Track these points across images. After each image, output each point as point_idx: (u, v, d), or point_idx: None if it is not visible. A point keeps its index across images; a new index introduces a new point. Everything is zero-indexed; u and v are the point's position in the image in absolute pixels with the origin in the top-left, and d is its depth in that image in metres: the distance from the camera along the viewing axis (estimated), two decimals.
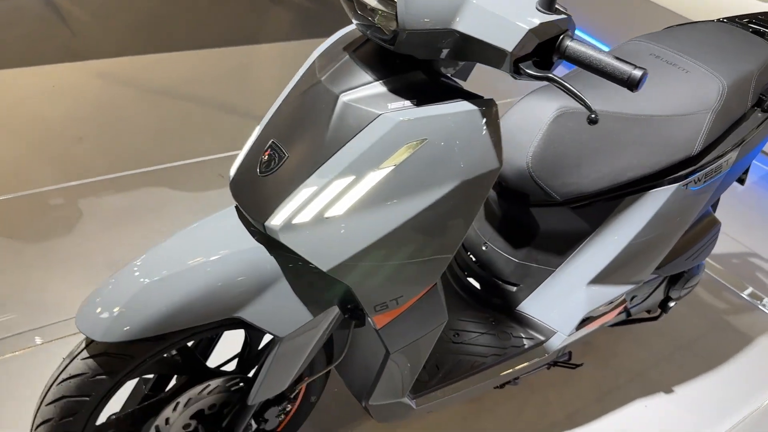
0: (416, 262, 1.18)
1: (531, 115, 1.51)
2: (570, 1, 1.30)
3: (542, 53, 1.05)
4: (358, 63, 1.15)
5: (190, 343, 1.40)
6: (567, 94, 1.02)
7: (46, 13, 3.75)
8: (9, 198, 2.33)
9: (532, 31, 0.99)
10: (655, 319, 2.01)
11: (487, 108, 1.12)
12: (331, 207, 1.09)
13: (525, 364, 1.65)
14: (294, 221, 1.09)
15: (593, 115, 1.02)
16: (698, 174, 1.59)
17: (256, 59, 3.60)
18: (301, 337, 1.23)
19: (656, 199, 1.57)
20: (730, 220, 2.94)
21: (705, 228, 1.86)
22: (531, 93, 1.56)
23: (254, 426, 1.41)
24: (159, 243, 1.20)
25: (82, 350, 1.17)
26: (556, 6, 1.02)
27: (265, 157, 1.16)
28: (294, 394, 1.43)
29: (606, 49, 1.97)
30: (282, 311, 1.19)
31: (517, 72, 1.03)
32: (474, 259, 1.75)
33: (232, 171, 1.23)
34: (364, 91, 1.11)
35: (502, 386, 1.76)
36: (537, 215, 1.61)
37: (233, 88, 3.24)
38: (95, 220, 2.30)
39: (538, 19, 1.00)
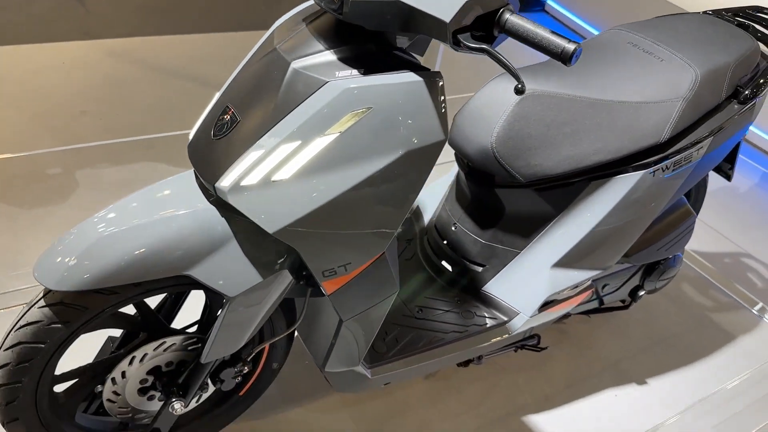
0: (362, 232, 1.21)
1: (497, 97, 1.53)
2: None
3: (484, 27, 1.07)
4: (313, 33, 1.18)
5: (154, 306, 1.46)
6: (500, 65, 1.05)
7: None
8: (9, 157, 2.41)
9: (469, 3, 1.01)
10: (626, 307, 2.02)
11: (433, 80, 1.15)
12: (278, 171, 1.12)
13: (487, 343, 1.67)
14: (242, 183, 1.13)
15: (519, 85, 1.05)
16: (667, 162, 1.60)
17: None
18: (252, 299, 1.26)
19: (622, 184, 1.58)
20: (725, 220, 2.93)
21: (678, 218, 1.86)
22: (499, 76, 1.58)
23: (210, 386, 1.46)
24: (118, 201, 1.25)
25: (39, 299, 1.23)
26: None
27: (220, 122, 1.20)
28: (251, 357, 1.47)
29: (596, 32, 1.98)
30: (231, 272, 1.23)
31: (456, 44, 1.05)
32: (444, 239, 1.77)
33: (191, 135, 1.27)
34: (315, 59, 1.14)
35: (466, 364, 1.79)
36: (503, 197, 1.63)
37: None
38: (91, 192, 2.36)
39: None
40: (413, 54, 1.24)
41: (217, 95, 1.27)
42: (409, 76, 1.13)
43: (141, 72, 3.17)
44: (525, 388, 1.96)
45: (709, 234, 2.83)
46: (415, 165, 1.18)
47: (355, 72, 1.13)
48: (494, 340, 1.68)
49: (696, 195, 2.20)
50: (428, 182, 1.92)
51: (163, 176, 1.30)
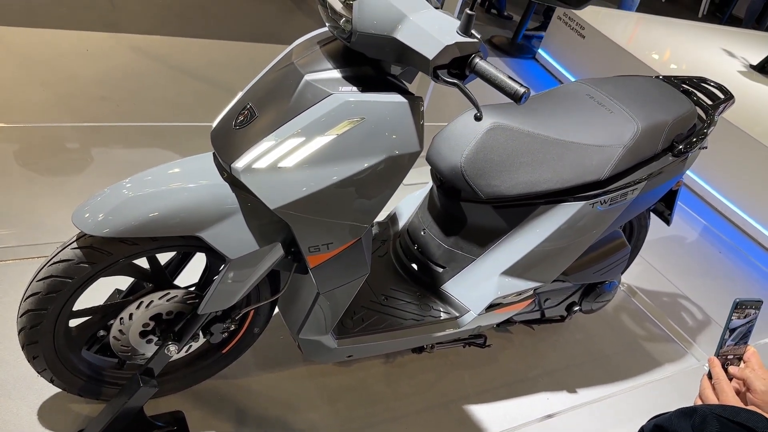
0: (343, 218, 1.49)
1: (470, 125, 1.82)
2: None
3: (459, 66, 1.37)
4: (325, 54, 1.48)
5: (163, 261, 1.72)
6: (466, 97, 1.34)
7: None
8: (33, 126, 2.66)
9: (448, 47, 1.31)
10: (562, 320, 2.31)
11: (415, 103, 1.44)
12: (284, 159, 1.40)
13: (439, 333, 1.94)
14: (254, 166, 1.41)
15: (478, 114, 1.34)
16: (605, 197, 1.90)
17: None
18: (247, 263, 1.53)
19: (565, 211, 1.88)
20: (669, 265, 3.25)
21: (614, 248, 2.16)
22: (472, 109, 1.87)
23: (201, 338, 1.72)
24: (147, 169, 1.52)
25: (72, 241, 1.49)
26: (472, 32, 1.35)
27: (241, 115, 1.48)
28: (239, 317, 1.73)
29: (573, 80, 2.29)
30: (234, 238, 1.50)
31: (435, 77, 1.35)
32: (413, 242, 2.06)
33: (214, 123, 1.55)
34: (324, 75, 1.43)
35: (419, 351, 2.06)
36: (466, 210, 1.92)
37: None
38: (103, 167, 2.62)
39: (455, 39, 1.32)
40: (404, 81, 1.54)
41: (240, 94, 1.55)
42: (397, 98, 1.43)
43: (159, 67, 3.45)
44: (469, 382, 2.23)
45: (653, 274, 3.14)
46: (393, 170, 1.47)
47: (354, 89, 1.42)
48: (446, 331, 1.96)
49: (638, 234, 2.51)
50: (406, 193, 2.22)
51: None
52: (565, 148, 1.85)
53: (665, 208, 2.40)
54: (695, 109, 2.11)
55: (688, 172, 4.04)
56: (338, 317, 1.71)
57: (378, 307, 1.90)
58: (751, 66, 5.24)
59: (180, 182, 1.48)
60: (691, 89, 2.22)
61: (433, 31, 1.33)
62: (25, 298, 1.50)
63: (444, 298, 1.99)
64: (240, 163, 1.41)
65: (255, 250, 1.51)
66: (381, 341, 1.85)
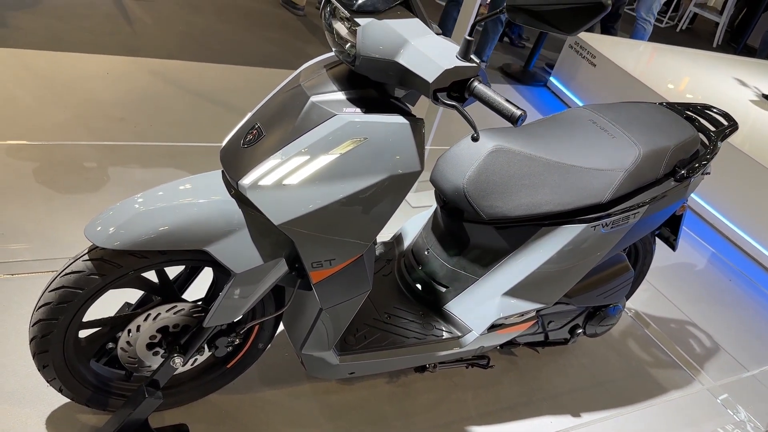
0: (345, 236, 1.53)
1: (473, 148, 1.87)
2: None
3: (458, 89, 1.42)
4: (330, 77, 1.53)
5: (172, 276, 1.77)
6: (463, 119, 1.39)
7: (114, 11, 4.27)
8: (53, 144, 2.75)
9: (448, 71, 1.36)
10: (565, 343, 2.32)
11: (416, 124, 1.49)
12: (289, 177, 1.45)
13: (441, 352, 1.97)
14: (260, 183, 1.46)
15: (475, 135, 1.38)
16: (606, 219, 1.93)
17: None
18: (252, 278, 1.57)
19: (567, 233, 1.91)
20: (677, 291, 3.25)
21: (617, 272, 2.18)
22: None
23: (206, 351, 1.75)
24: (158, 185, 1.58)
25: (84, 254, 1.54)
26: (471, 57, 1.40)
27: (249, 134, 1.54)
28: (243, 330, 1.77)
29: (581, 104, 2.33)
30: (240, 253, 1.54)
31: (435, 99, 1.40)
32: (417, 261, 2.09)
33: (224, 142, 1.60)
34: (329, 96, 1.49)
35: (422, 371, 2.08)
36: (469, 230, 1.96)
37: None
38: (120, 185, 2.69)
39: (454, 63, 1.37)
40: (407, 103, 1.59)
41: (249, 114, 1.61)
42: (399, 119, 1.47)
43: (176, 91, 3.54)
44: (472, 404, 2.24)
45: (660, 301, 3.14)
46: (394, 188, 1.51)
47: (358, 110, 1.47)
48: (448, 351, 1.98)
49: (643, 260, 2.52)
50: (411, 214, 2.25)
51: None
52: (566, 172, 1.88)
53: (670, 233, 2.42)
54: (698, 135, 2.14)
55: (697, 198, 4.06)
56: (340, 333, 1.74)
57: (381, 325, 1.93)
58: (764, 95, 5.26)
59: (189, 198, 1.54)
60: (694, 116, 2.25)
61: (433, 56, 1.38)
62: (37, 307, 1.55)
63: (447, 318, 2.01)
64: (246, 180, 1.46)
65: (259, 264, 1.56)
66: (383, 359, 1.88)
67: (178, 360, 1.67)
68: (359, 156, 1.46)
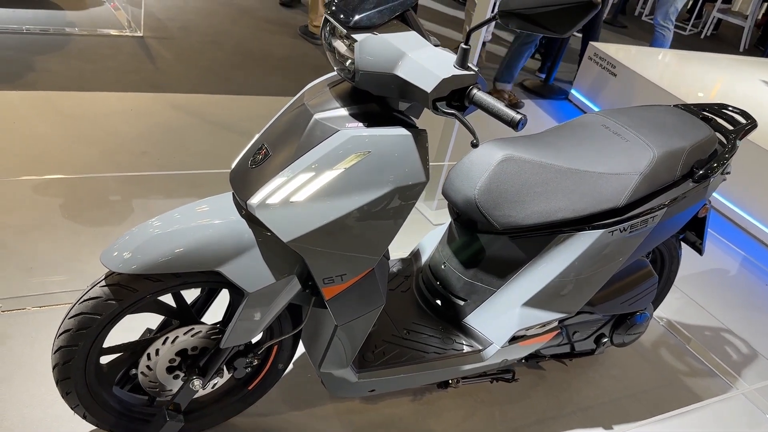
0: (355, 249, 1.54)
1: (483, 157, 1.86)
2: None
3: (458, 98, 1.42)
4: (333, 95, 1.56)
5: (189, 300, 1.80)
6: (463, 126, 1.39)
7: (137, 51, 4.41)
8: (79, 177, 2.83)
9: (446, 80, 1.37)
10: (590, 354, 2.27)
11: (419, 135, 1.50)
12: (296, 194, 1.47)
13: (463, 366, 1.94)
14: (267, 201, 1.48)
15: (474, 141, 1.38)
16: (624, 224, 1.90)
17: None
18: (266, 297, 1.59)
19: (584, 240, 1.88)
20: (710, 298, 3.17)
21: (640, 277, 2.14)
22: (488, 142, 1.92)
23: (226, 373, 1.76)
24: (172, 209, 1.61)
25: (101, 280, 1.57)
26: (469, 65, 1.41)
27: (257, 155, 1.57)
28: (261, 351, 1.78)
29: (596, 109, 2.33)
30: (252, 272, 1.56)
31: (435, 109, 1.41)
32: (434, 276, 2.08)
33: (233, 164, 1.63)
34: (332, 113, 1.51)
35: (445, 387, 2.05)
36: (483, 241, 1.95)
37: None
38: (144, 216, 2.75)
39: (451, 72, 1.38)
40: (411, 116, 1.60)
41: (256, 136, 1.64)
42: (401, 131, 1.48)
43: (197, 122, 3.62)
44: (499, 419, 2.20)
45: (693, 308, 3.06)
46: (401, 200, 1.51)
47: (360, 125, 1.48)
48: (470, 365, 1.95)
49: (669, 266, 2.47)
50: (428, 229, 2.25)
51: None
52: (579, 178, 1.87)
53: (696, 237, 2.37)
54: (715, 134, 2.10)
55: (723, 200, 3.97)
56: (357, 350, 1.74)
57: (400, 341, 1.92)
58: None
59: (201, 220, 1.56)
60: (711, 116, 2.21)
61: (430, 66, 1.39)
62: (58, 335, 1.59)
63: (466, 331, 1.99)
64: (255, 199, 1.48)
65: (272, 283, 1.57)
66: (403, 375, 1.87)
67: (197, 382, 1.68)
68: (364, 170, 1.47)
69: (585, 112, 5.20)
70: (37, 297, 2.25)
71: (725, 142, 2.15)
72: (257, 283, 1.56)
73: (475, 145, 1.39)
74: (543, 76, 5.80)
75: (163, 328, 1.81)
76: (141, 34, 4.66)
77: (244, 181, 1.55)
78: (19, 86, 3.57)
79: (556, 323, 2.01)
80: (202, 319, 1.80)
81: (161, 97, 3.85)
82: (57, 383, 1.63)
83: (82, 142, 3.19)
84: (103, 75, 3.94)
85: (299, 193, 1.47)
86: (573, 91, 5.43)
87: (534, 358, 2.22)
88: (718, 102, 2.31)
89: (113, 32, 4.59)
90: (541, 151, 1.90)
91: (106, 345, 1.66)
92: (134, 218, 2.74)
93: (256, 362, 1.78)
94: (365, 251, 1.56)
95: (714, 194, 4.16)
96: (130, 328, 1.82)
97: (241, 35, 5.16)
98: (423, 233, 2.36)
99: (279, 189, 1.47)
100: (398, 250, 2.74)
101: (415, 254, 2.25)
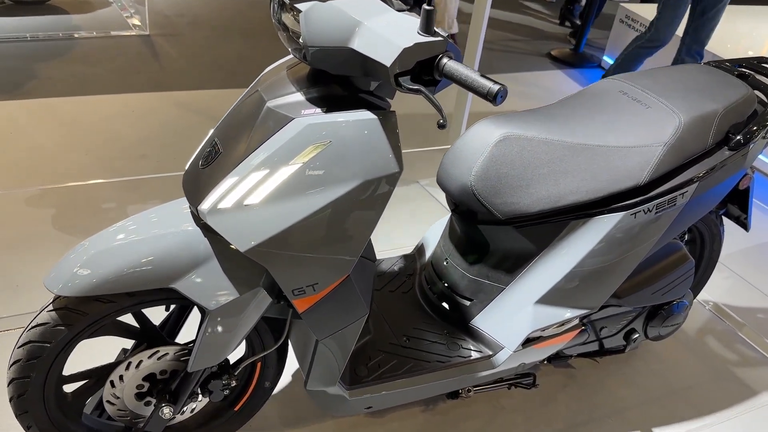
0: (324, 254, 1.33)
1: (477, 139, 1.63)
2: None
3: (428, 70, 1.19)
4: (290, 78, 1.35)
5: (160, 320, 1.63)
6: (430, 103, 1.16)
7: (142, 50, 4.28)
8: (67, 186, 2.70)
9: (408, 50, 1.14)
10: (621, 351, 2.01)
11: (386, 118, 1.27)
12: (249, 196, 1.27)
13: (472, 374, 1.72)
14: (219, 206, 1.28)
15: (442, 121, 1.15)
16: (648, 204, 1.64)
17: None
18: (230, 314, 1.40)
19: (602, 225, 1.63)
20: (763, 276, 2.84)
21: (673, 263, 1.87)
22: (482, 120, 1.68)
23: (200, 396, 1.59)
24: (121, 221, 1.43)
25: (49, 304, 1.41)
26: (436, 30, 1.17)
27: (208, 154, 1.37)
28: (239, 371, 1.59)
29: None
30: (211, 287, 1.37)
31: (398, 85, 1.18)
32: (437, 274, 1.86)
33: (187, 165, 1.44)
34: (287, 99, 1.30)
35: (455, 397, 1.84)
36: (486, 233, 1.71)
37: None
38: None
39: (414, 40, 1.15)
40: (384, 96, 1.38)
41: (211, 131, 1.44)
42: (365, 114, 1.27)
43: (200, 121, 3.46)
44: (522, 427, 1.97)
45: (744, 288, 2.75)
46: (371, 195, 1.30)
47: (318, 111, 1.27)
48: (480, 373, 1.73)
49: (711, 245, 2.19)
50: (432, 221, 2.02)
51: None
52: (592, 153, 1.61)
53: (740, 211, 2.08)
54: (753, 93, 1.81)
55: None
56: (343, 365, 1.54)
57: (398, 350, 1.71)
58: None
59: (151, 231, 1.38)
60: (748, 72, 1.92)
61: (390, 35, 1.17)
62: (9, 365, 1.44)
63: (474, 335, 1.77)
64: (205, 205, 1.29)
65: (235, 298, 1.38)
66: (402, 388, 1.66)
67: (167, 410, 1.51)
68: (324, 162, 1.26)
69: None
70: (20, 317, 2.12)
71: (766, 101, 1.86)
72: (218, 299, 1.37)
73: (442, 126, 1.17)
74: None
75: (137, 348, 1.65)
76: (147, 33, 4.54)
77: (195, 185, 1.36)
78: (18, 95, 3.48)
79: (576, 321, 1.76)
80: (179, 337, 1.63)
81: (164, 95, 3.70)
82: (17, 417, 1.49)
83: (78, 149, 3.06)
84: (106, 77, 3.82)
85: (254, 195, 1.27)
86: (605, 58, 5.07)
87: (558, 359, 1.98)
88: (757, 56, 2.00)
89: (119, 33, 4.48)
90: (545, 125, 1.65)
91: (67, 372, 1.50)
92: None
93: (234, 383, 1.59)
94: (336, 256, 1.35)
95: (761, 157, 3.78)
96: (104, 351, 1.67)
97: (251, 28, 4.98)
98: (423, 223, 2.14)
99: (231, 191, 1.28)
100: (408, 241, 2.52)
101: (419, 249, 2.03)
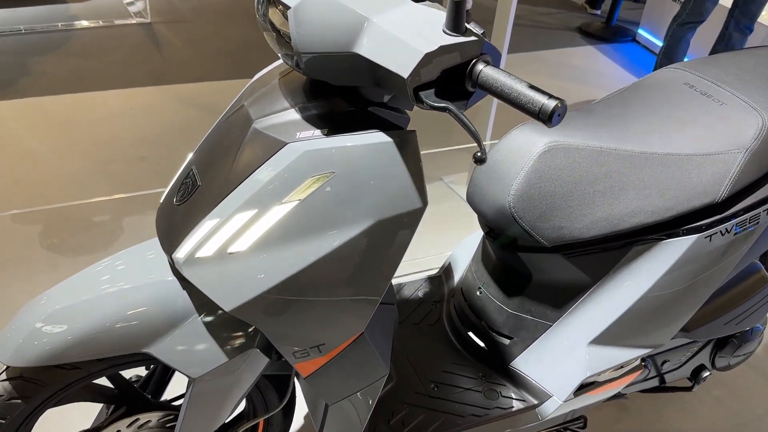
0: (332, 309, 1.06)
1: (516, 151, 1.34)
2: None
3: (458, 79, 0.91)
4: (282, 89, 1.07)
5: (136, 382, 1.38)
6: (462, 126, 0.88)
7: (143, 39, 4.01)
8: (59, 207, 2.46)
9: (431, 55, 0.86)
10: (688, 389, 1.72)
11: (404, 141, 0.99)
12: (234, 242, 1.00)
13: (512, 429, 1.46)
14: (197, 255, 1.02)
15: (479, 154, 0.87)
16: (726, 224, 1.34)
17: None
18: (219, 381, 1.14)
19: (671, 250, 1.34)
20: None
21: (751, 287, 1.57)
22: (520, 126, 1.39)
23: None
24: (84, 269, 1.18)
25: (1, 373, 1.17)
26: (469, 27, 0.88)
27: (184, 185, 1.11)
28: None
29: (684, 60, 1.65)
30: (194, 351, 1.11)
31: (419, 101, 0.90)
32: (469, 304, 1.59)
33: (162, 198, 1.18)
34: (279, 117, 1.02)
35: None
36: (528, 262, 1.43)
37: None
38: (135, 240, 2.37)
39: (439, 42, 0.86)
40: (401, 109, 1.09)
41: (190, 155, 1.18)
42: (378, 137, 0.98)
43: (204, 118, 3.20)
44: None
45: None
46: (389, 236, 1.02)
47: (318, 132, 0.99)
48: (523, 427, 1.47)
49: None
50: (460, 227, 1.73)
51: None
52: (657, 164, 1.32)
53: None
54: None
55: None
56: (362, 428, 1.28)
57: (426, 402, 1.45)
58: None
59: (116, 284, 1.12)
60: None
61: (407, 36, 0.88)
62: None
63: (515, 380, 1.49)
64: (180, 253, 1.03)
65: (223, 363, 1.12)
66: None
67: None
68: (327, 198, 0.98)
69: (657, 55, 4.48)
70: None
71: None
72: (203, 365, 1.11)
73: (482, 161, 0.88)
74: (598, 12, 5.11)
75: (115, 412, 1.40)
76: (149, 20, 4.26)
77: (168, 225, 1.10)
78: (10, 94, 3.23)
79: (637, 362, 1.48)
80: (167, 392, 1.38)
81: (165, 90, 3.44)
82: None
83: (72, 155, 2.82)
84: (105, 71, 3.56)
85: (239, 241, 1.00)
86: (640, 31, 4.69)
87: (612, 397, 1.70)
88: None
89: (119, 22, 4.21)
90: (598, 131, 1.36)
91: None
92: (122, 243, 2.35)
93: None
94: (344, 314, 1.08)
95: None
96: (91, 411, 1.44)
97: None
98: (467, 229, 1.85)
99: (211, 236, 1.01)
100: (432, 251, 2.21)
101: (446, 271, 1.76)
